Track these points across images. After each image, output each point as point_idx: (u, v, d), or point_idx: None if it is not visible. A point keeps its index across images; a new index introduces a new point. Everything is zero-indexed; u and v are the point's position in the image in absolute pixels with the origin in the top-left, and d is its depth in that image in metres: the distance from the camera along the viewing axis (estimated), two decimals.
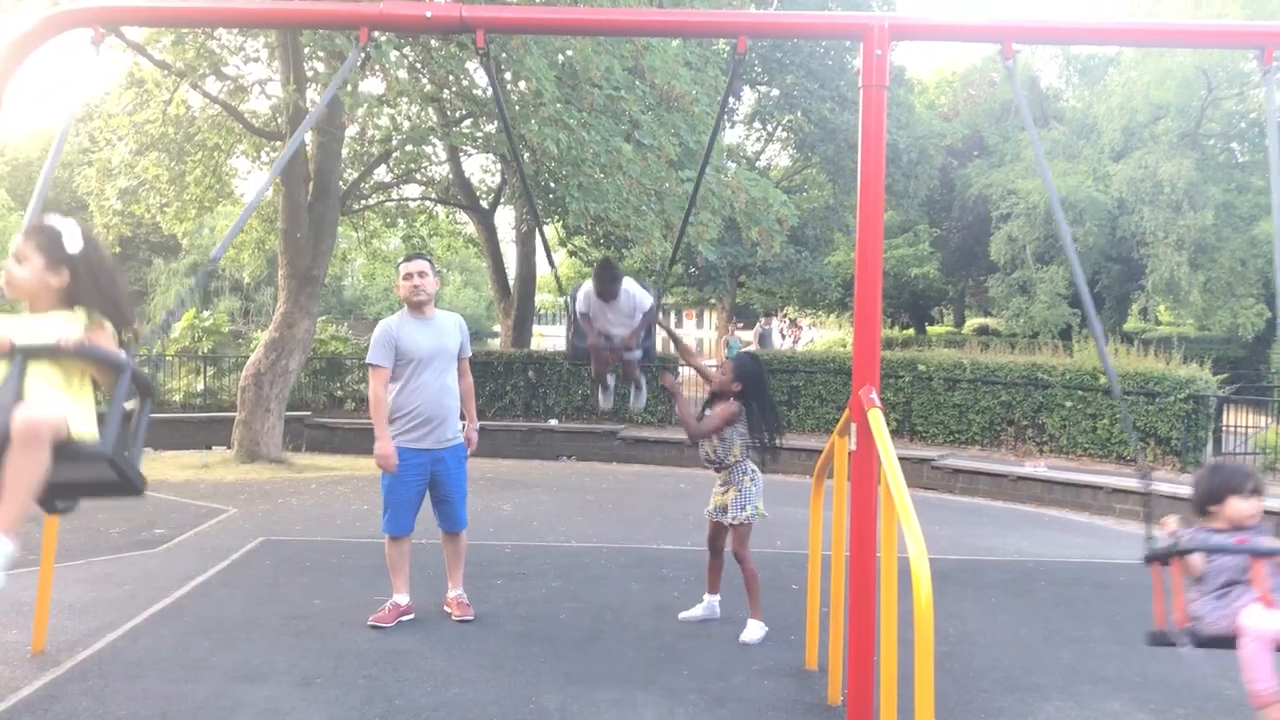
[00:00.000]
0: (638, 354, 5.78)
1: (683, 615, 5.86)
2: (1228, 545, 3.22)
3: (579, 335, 5.73)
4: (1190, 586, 3.33)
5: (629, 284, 5.61)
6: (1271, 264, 26.52)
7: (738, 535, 5.61)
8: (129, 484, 3.00)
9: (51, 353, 2.83)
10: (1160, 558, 3.39)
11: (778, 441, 5.67)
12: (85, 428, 2.89)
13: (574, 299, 5.74)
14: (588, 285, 5.66)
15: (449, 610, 5.85)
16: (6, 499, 2.70)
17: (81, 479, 2.95)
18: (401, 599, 5.76)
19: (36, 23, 3.91)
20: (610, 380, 6.09)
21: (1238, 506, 3.28)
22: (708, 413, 5.79)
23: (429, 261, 5.83)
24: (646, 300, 5.65)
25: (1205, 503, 3.38)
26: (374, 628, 5.57)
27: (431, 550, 6.58)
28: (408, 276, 5.69)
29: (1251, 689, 3.08)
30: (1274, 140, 3.71)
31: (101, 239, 3.03)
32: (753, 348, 18.71)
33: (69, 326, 2.91)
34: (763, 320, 20.56)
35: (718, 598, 5.90)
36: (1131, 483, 11.43)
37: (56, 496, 2.91)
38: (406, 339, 5.65)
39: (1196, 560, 3.24)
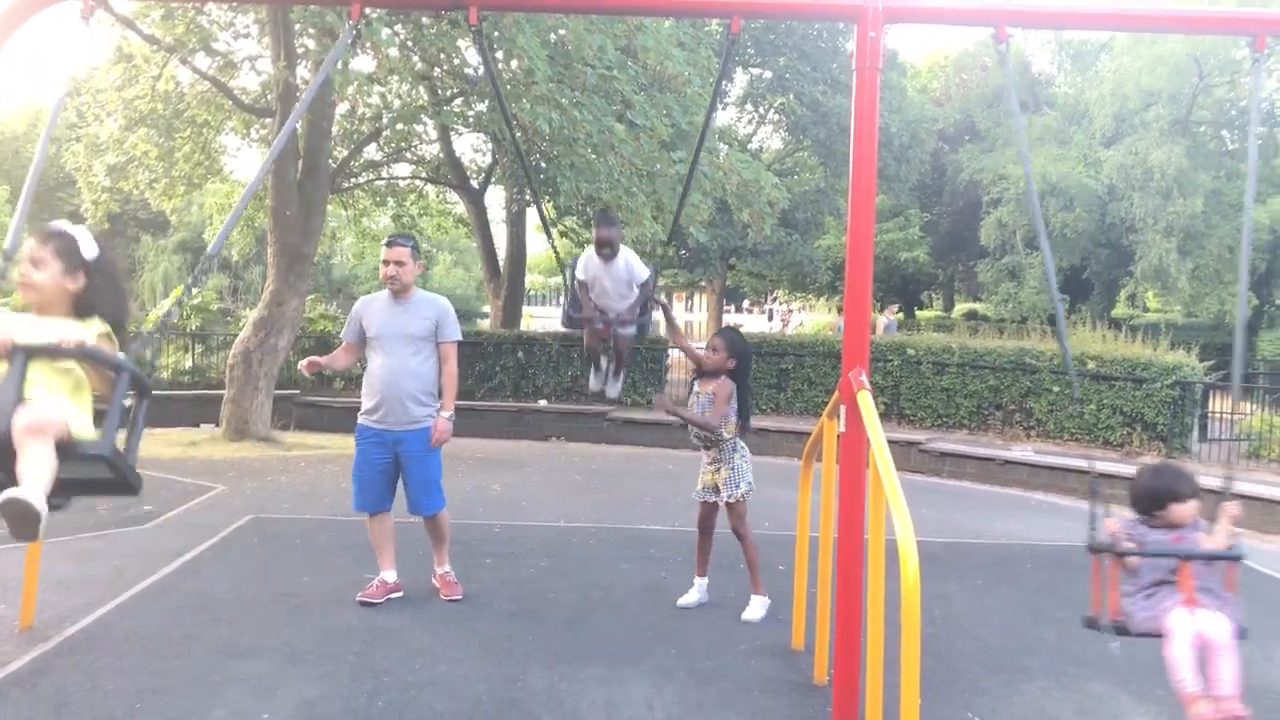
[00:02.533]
0: (632, 329, 5.75)
1: (681, 602, 5.83)
2: (1161, 549, 3.39)
3: (574, 305, 5.70)
4: (1124, 580, 3.50)
5: (628, 254, 5.60)
6: (1259, 251, 26.65)
7: (736, 513, 5.64)
8: (126, 483, 3.05)
9: (52, 352, 2.87)
10: (1099, 551, 3.51)
11: (749, 423, 5.75)
12: (84, 428, 2.93)
13: (573, 267, 5.75)
14: (587, 253, 5.66)
15: (437, 587, 5.86)
16: (36, 474, 2.73)
17: (78, 478, 2.95)
18: (389, 576, 5.78)
19: None
20: (604, 362, 6.04)
21: (1177, 511, 3.46)
22: (695, 389, 5.77)
23: (409, 248, 5.71)
24: (644, 272, 5.64)
25: (1148, 507, 3.53)
26: (363, 605, 5.59)
27: (417, 529, 6.59)
28: (385, 263, 5.67)
29: (1177, 687, 3.32)
30: (1254, 124, 3.84)
31: (111, 246, 3.22)
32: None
33: (76, 331, 2.94)
34: (889, 310, 19.79)
35: (706, 580, 5.92)
36: (1119, 467, 11.51)
37: (51, 494, 2.84)
38: (369, 318, 5.74)
39: (1132, 556, 3.41)
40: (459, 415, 5.96)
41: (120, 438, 2.99)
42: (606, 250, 5.51)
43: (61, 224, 3.10)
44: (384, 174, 19.38)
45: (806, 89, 22.19)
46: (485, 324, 27.77)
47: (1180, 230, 25.53)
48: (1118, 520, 3.55)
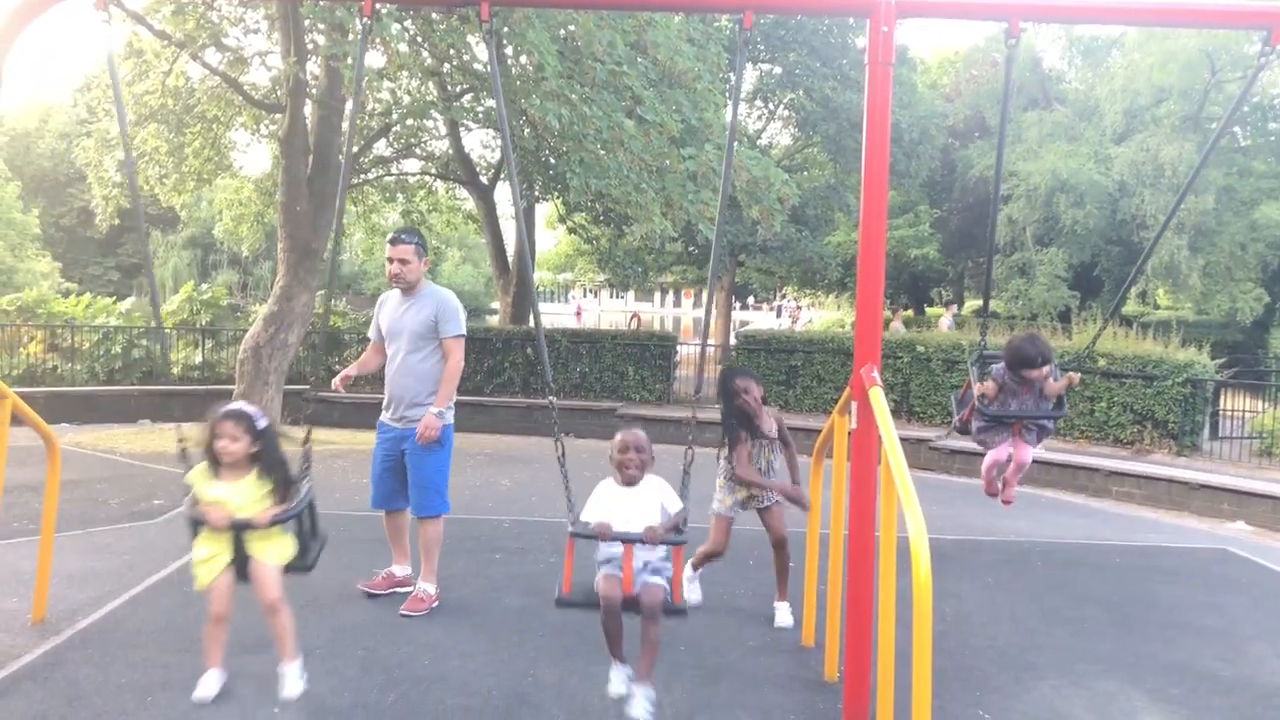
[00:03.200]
0: (663, 582, 3.92)
1: (686, 598, 5.81)
2: (1007, 414, 4.85)
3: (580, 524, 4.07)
4: (980, 405, 4.87)
5: (658, 483, 4.36)
6: (1270, 248, 26.52)
7: (780, 516, 5.53)
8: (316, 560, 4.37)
9: (254, 525, 4.08)
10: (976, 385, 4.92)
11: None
12: (286, 552, 4.24)
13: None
14: (605, 486, 4.38)
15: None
16: (285, 642, 4.31)
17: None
18: (399, 570, 5.80)
19: None
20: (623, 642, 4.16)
21: (1032, 373, 4.72)
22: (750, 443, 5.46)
23: (414, 244, 5.55)
24: (677, 503, 4.20)
25: (1014, 366, 4.75)
26: (368, 596, 5.60)
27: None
28: (390, 260, 5.57)
29: (983, 475, 5.12)
30: (1231, 117, 3.85)
31: (271, 419, 4.32)
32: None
33: (259, 492, 4.13)
34: (949, 309, 19.46)
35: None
36: (1130, 465, 11.49)
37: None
38: (383, 315, 5.72)
39: (991, 392, 4.81)
40: (468, 411, 5.94)
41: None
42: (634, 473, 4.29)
43: (241, 405, 4.26)
44: (393, 170, 19.39)
45: (816, 85, 22.14)
46: (494, 320, 27.81)
47: (1191, 227, 25.44)
48: (994, 372, 4.87)
